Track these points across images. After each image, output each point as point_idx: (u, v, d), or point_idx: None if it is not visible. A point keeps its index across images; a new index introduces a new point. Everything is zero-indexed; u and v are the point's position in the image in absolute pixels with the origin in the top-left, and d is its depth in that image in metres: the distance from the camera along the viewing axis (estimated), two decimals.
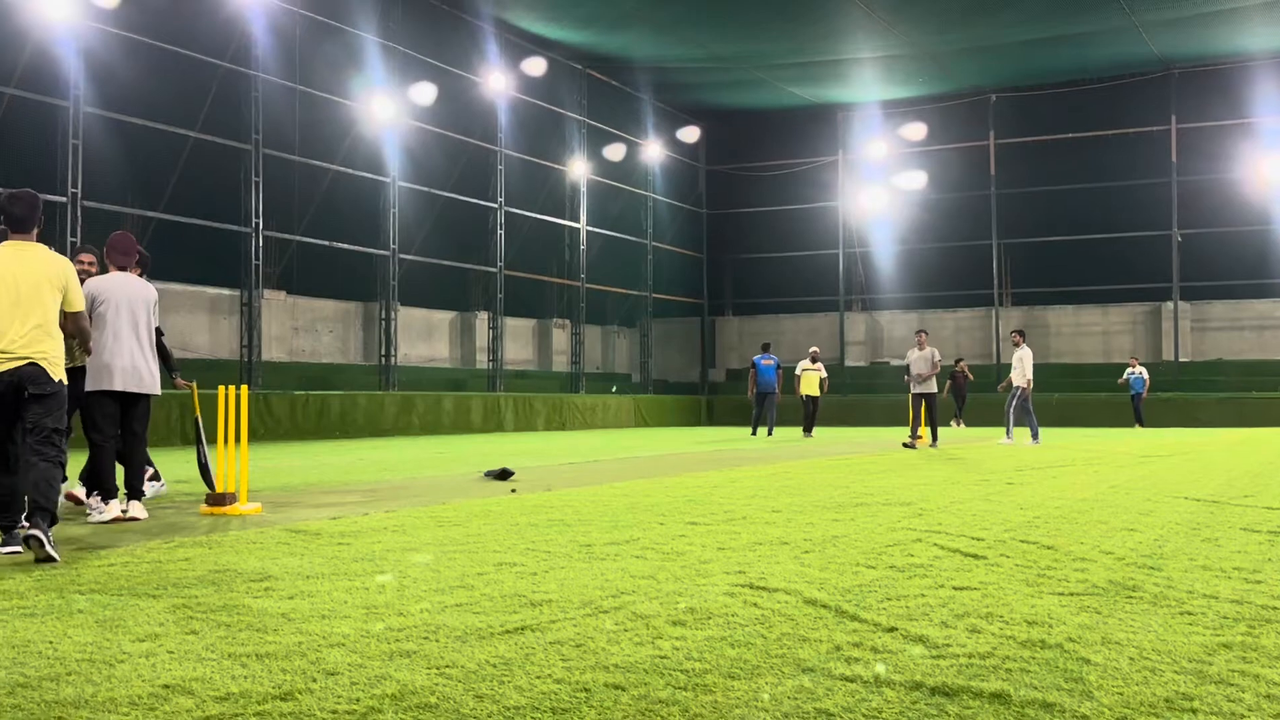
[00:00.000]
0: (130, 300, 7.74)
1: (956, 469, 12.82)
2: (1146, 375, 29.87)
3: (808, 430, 24.03)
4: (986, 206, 35.12)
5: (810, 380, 24.11)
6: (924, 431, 19.25)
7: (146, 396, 7.89)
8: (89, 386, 7.65)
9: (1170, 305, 33.44)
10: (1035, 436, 19.74)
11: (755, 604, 4.43)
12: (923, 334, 19.41)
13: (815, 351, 25.26)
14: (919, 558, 5.67)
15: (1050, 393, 31.64)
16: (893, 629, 3.95)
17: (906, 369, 19.20)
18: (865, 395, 34.74)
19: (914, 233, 36.03)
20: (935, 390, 18.76)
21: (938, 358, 18.87)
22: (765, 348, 25.74)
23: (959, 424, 30.31)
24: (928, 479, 11.15)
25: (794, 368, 25.14)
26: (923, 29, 28.58)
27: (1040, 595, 4.64)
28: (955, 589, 4.77)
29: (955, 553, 5.84)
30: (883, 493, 9.50)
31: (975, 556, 5.70)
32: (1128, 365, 30.49)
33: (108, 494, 7.60)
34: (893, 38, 29.02)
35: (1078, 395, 32.15)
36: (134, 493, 7.80)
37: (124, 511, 7.61)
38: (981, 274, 35.27)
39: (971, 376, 31.55)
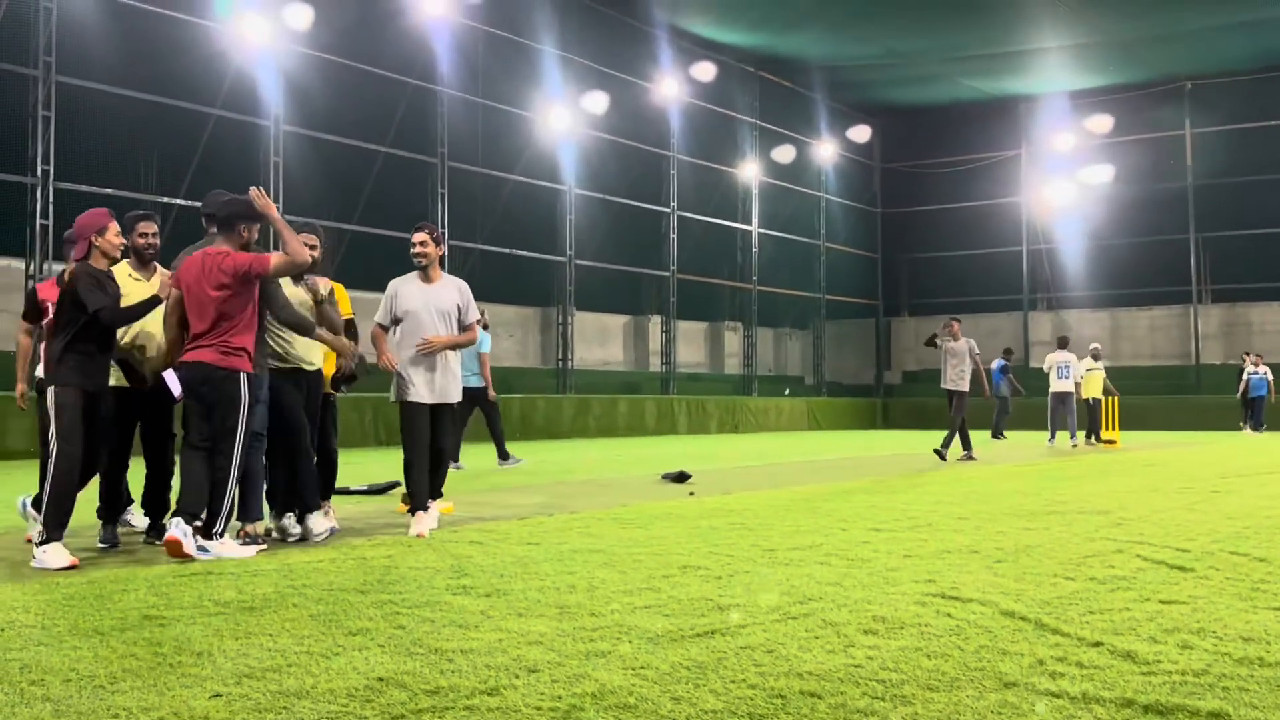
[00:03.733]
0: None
1: (1155, 476, 12.23)
2: (1270, 376, 26.74)
3: (1092, 436, 21.33)
4: (1182, 199, 33.30)
5: (1094, 381, 21.60)
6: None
7: (452, 406, 7.54)
8: (406, 396, 7.22)
9: None
10: (1053, 438, 20.63)
11: (949, 614, 4.34)
12: (955, 321, 16.56)
13: (1097, 348, 22.38)
14: (1121, 569, 5.44)
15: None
16: (1098, 643, 3.81)
17: (942, 362, 16.24)
18: None
19: (1103, 227, 34.42)
20: (967, 389, 15.97)
21: (976, 350, 16.15)
22: (1006, 353, 24.86)
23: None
24: (1125, 486, 10.67)
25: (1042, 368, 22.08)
26: (1112, 16, 27.32)
27: (1255, 610, 4.39)
28: (1162, 602, 4.56)
29: (1160, 564, 5.58)
30: (1076, 500, 9.14)
31: (1182, 569, 5.43)
32: (1245, 364, 27.06)
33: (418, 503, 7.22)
34: (1080, 25, 27.87)
35: None
36: (434, 493, 7.48)
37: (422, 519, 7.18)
38: (1177, 270, 33.42)
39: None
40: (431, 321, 7.23)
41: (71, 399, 5.91)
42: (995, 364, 24.12)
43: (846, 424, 34.03)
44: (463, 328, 7.41)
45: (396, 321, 7.32)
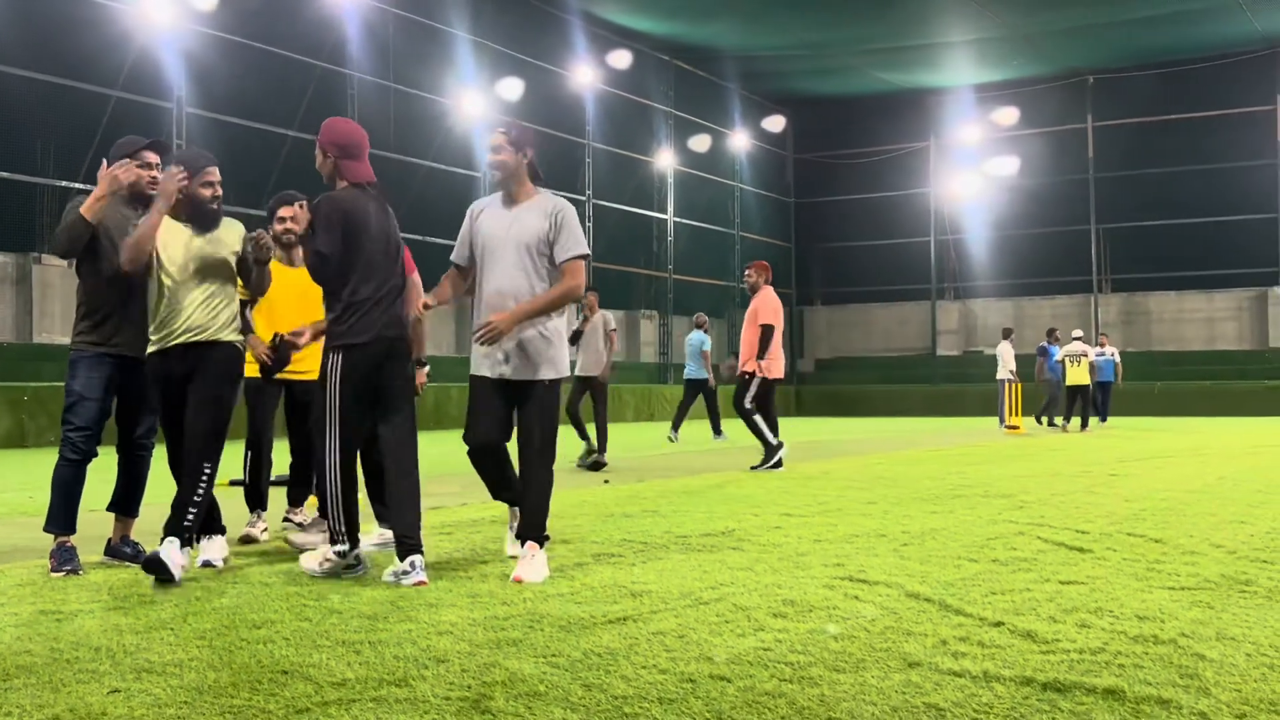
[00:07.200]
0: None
1: (1057, 460, 12.58)
2: (1119, 359, 23.68)
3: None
4: (1084, 191, 34.28)
5: (1083, 368, 21.22)
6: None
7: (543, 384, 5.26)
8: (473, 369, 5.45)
9: (1277, 290, 32.28)
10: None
11: (856, 597, 4.41)
12: (592, 293, 12.42)
13: (1080, 334, 22.21)
14: (1022, 551, 5.58)
15: (1152, 381, 30.79)
16: (999, 623, 3.90)
17: (575, 337, 12.13)
18: (958, 385, 34.17)
19: (1008, 218, 35.29)
20: (604, 377, 12.41)
21: (611, 325, 12.52)
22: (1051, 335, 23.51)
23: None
24: (1027, 471, 10.96)
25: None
26: (1017, 10, 27.98)
27: (1150, 590, 4.54)
28: (1062, 583, 4.69)
29: (1060, 546, 5.74)
30: (980, 484, 9.36)
31: (1081, 550, 5.59)
32: (1097, 346, 24.01)
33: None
34: (986, 19, 28.47)
35: (1180, 384, 31.22)
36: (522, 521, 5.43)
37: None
38: (1079, 260, 34.43)
39: None
40: (512, 258, 5.15)
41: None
42: (1050, 350, 22.67)
43: None
44: (552, 267, 5.17)
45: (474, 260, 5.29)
